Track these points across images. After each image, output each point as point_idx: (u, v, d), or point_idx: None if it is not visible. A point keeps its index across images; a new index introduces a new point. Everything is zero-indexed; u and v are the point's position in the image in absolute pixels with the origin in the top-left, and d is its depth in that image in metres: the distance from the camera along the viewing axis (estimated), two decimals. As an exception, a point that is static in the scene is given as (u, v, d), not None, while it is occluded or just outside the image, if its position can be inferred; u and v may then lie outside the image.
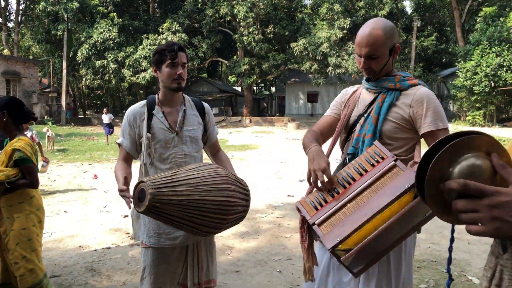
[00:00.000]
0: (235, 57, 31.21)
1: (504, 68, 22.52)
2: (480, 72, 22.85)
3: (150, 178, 1.84)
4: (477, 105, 24.13)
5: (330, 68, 24.30)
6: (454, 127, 23.03)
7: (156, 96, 2.29)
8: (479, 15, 25.96)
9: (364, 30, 1.82)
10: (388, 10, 24.31)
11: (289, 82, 32.11)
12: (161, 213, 1.81)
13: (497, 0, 27.92)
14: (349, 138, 1.99)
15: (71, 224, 5.45)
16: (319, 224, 1.53)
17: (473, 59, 23.34)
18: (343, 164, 1.96)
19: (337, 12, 23.91)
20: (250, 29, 24.24)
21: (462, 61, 24.62)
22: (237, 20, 25.00)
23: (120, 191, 1.94)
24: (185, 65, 2.21)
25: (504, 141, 16.24)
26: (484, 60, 22.76)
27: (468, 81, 23.41)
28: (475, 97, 23.75)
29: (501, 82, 22.58)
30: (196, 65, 27.18)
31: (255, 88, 39.62)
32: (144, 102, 2.30)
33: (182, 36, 25.26)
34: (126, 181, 1.99)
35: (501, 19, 24.02)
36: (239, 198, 1.98)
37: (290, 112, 32.11)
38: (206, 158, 2.53)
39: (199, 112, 2.36)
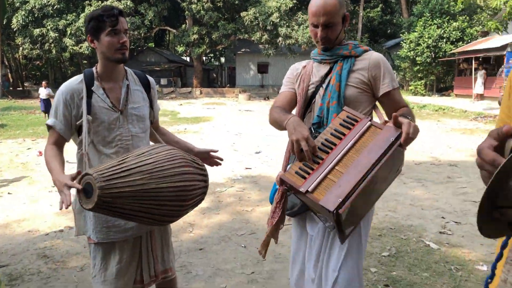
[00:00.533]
0: (183, 26, 30.18)
1: (444, 40, 23.56)
2: (422, 43, 23.74)
3: (96, 169, 1.63)
4: (419, 75, 25.19)
5: (280, 38, 24.19)
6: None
7: (94, 69, 2.00)
8: (423, -13, 26.74)
9: (318, 0, 1.85)
10: (337, -20, 24.32)
11: (239, 52, 31.65)
12: (113, 208, 1.62)
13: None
14: (309, 110, 2.00)
15: (17, 207, 5.07)
16: (312, 191, 1.51)
17: (416, 30, 24.14)
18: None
19: (287, -19, 23.64)
20: (200, -3, 23.45)
21: (406, 33, 25.41)
22: (185, -13, 24.04)
23: (64, 185, 1.64)
24: (127, 32, 1.96)
25: (444, 109, 17.16)
26: (427, 32, 23.63)
27: (412, 52, 24.28)
28: (418, 67, 24.74)
29: (441, 53, 23.63)
30: (142, 34, 25.97)
31: (204, 58, 38.70)
32: (80, 77, 1.98)
33: (128, 3, 23.93)
34: (78, 174, 1.69)
35: (442, -9, 24.91)
36: (197, 180, 1.82)
37: (241, 83, 31.84)
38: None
39: (144, 87, 2.11)
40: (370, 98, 1.95)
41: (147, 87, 2.12)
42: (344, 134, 1.63)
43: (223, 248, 3.75)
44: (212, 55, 41.48)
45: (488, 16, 24.37)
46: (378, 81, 1.92)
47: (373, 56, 1.94)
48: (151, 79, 2.19)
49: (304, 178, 1.55)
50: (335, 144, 1.61)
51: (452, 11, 23.89)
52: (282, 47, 25.44)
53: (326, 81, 1.96)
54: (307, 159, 1.58)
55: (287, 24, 23.94)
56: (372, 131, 1.61)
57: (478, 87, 20.29)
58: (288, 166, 1.88)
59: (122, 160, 1.69)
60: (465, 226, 4.18)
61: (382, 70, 1.91)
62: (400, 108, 1.92)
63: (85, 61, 31.03)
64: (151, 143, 2.18)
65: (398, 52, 26.16)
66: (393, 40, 33.12)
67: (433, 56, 23.77)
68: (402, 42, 25.82)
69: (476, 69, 20.59)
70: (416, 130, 1.54)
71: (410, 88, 25.87)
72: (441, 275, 3.11)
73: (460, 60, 23.18)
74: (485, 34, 23.48)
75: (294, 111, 2.03)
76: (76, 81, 1.97)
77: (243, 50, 31.49)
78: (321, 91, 1.97)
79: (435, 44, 23.53)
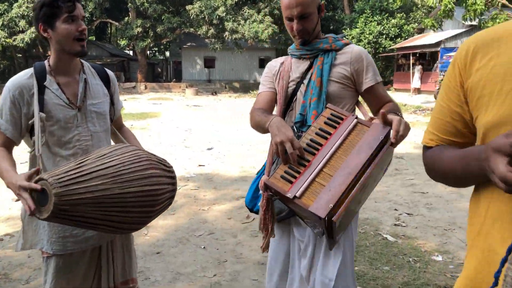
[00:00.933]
0: (126, 18, 29.03)
1: (384, 36, 24.61)
2: (364, 39, 24.63)
3: (51, 173, 1.44)
4: (362, 70, 26.12)
5: (227, 33, 24.01)
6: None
7: (46, 62, 1.80)
8: (363, -16, 27.69)
9: None
10: (282, -25, 24.54)
11: (185, 46, 31.04)
12: (72, 216, 1.45)
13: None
14: (290, 108, 1.90)
15: None
16: (300, 196, 1.42)
17: (358, 26, 25.00)
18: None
19: (233, -26, 23.48)
20: (143, -12, 22.65)
21: (348, 29, 26.21)
22: (128, -22, 23.11)
23: (20, 187, 1.46)
24: (84, 19, 1.78)
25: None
26: (368, 28, 24.54)
27: (354, 48, 25.10)
28: (360, 62, 25.63)
29: (381, 48, 24.67)
30: (81, 27, 24.53)
31: (148, 52, 37.52)
32: (30, 71, 1.77)
33: (64, -7, 22.49)
34: (35, 172, 1.52)
35: (381, -11, 25.97)
36: (165, 183, 1.67)
37: (187, 78, 31.28)
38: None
39: (103, 81, 1.92)
40: (353, 93, 1.87)
41: (106, 81, 1.94)
42: (330, 134, 1.55)
43: (182, 250, 3.61)
44: (156, 49, 40.33)
45: (424, 14, 25.78)
46: (361, 76, 1.84)
47: (355, 49, 1.85)
48: (110, 72, 2.01)
49: (291, 182, 1.45)
50: (321, 145, 1.53)
51: (391, 9, 24.98)
52: (229, 41, 25.29)
53: (307, 77, 1.86)
54: (292, 162, 1.48)
55: (233, 18, 23.81)
56: (359, 129, 1.55)
57: (415, 81, 21.41)
58: (272, 169, 1.78)
59: (81, 162, 1.52)
60: (417, 218, 4.34)
61: (365, 63, 1.83)
62: (385, 103, 1.84)
63: (19, 55, 28.95)
64: (112, 143, 2.01)
65: (341, 48, 26.92)
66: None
67: (373, 51, 24.73)
68: (344, 37, 26.54)
69: (413, 65, 21.71)
70: (407, 127, 1.48)
71: (353, 82, 26.74)
72: (401, 267, 3.19)
73: (399, 56, 24.35)
74: (421, 31, 24.82)
75: (274, 111, 1.92)
76: (25, 75, 1.75)
77: (189, 44, 30.92)
78: (302, 87, 1.87)
79: (375, 40, 24.50)
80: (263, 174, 1.87)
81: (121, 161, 1.56)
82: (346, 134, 1.53)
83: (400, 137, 1.44)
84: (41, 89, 1.73)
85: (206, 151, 8.23)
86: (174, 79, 34.59)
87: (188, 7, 23.66)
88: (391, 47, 24.17)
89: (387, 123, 1.49)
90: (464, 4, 14.49)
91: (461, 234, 3.84)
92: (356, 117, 1.58)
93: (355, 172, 1.41)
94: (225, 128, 11.32)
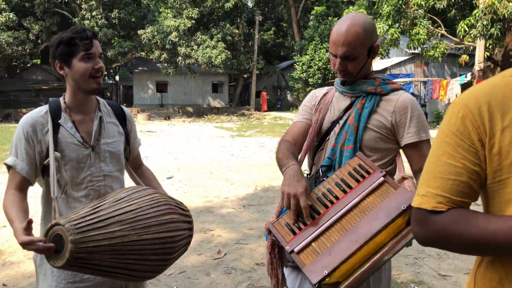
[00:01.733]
0: (73, 42, 28.11)
1: (333, 62, 25.62)
2: (314, 65, 25.49)
3: (68, 218, 1.38)
4: (312, 95, 26.98)
5: (180, 58, 23.95)
6: (292, 114, 25.31)
7: (62, 99, 1.76)
8: (312, 13, 28.82)
9: (341, 27, 1.59)
10: (233, 2, 25.04)
11: (136, 71, 30.51)
12: (87, 264, 1.39)
13: (324, 1, 31.43)
14: (321, 147, 1.75)
15: None
16: (299, 252, 1.32)
17: (308, 53, 25.86)
18: (316, 178, 1.72)
19: (185, 1, 23.59)
20: (93, 13, 22.09)
21: (298, 55, 27.04)
22: (77, 2, 22.47)
23: (25, 243, 1.37)
24: (101, 57, 1.74)
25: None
26: (317, 55, 25.45)
27: (304, 74, 25.91)
28: (310, 88, 26.43)
29: (330, 74, 25.61)
30: (28, 50, 23.56)
31: (97, 76, 36.30)
32: (45, 108, 1.73)
33: (10, 16, 21.57)
34: (30, 224, 1.41)
35: (329, 18, 27.15)
36: (183, 229, 1.61)
37: (139, 102, 30.65)
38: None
39: (119, 119, 1.87)
40: (393, 145, 1.68)
41: (122, 119, 1.89)
42: (350, 187, 1.42)
43: (153, 292, 3.43)
44: (106, 73, 39.35)
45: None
46: (402, 129, 1.64)
47: (402, 97, 1.66)
48: (127, 110, 1.95)
49: (294, 233, 1.36)
50: (337, 198, 1.41)
51: (339, 37, 26.10)
52: (182, 66, 25.22)
53: (344, 117, 1.70)
54: (297, 215, 1.38)
55: (186, 43, 23.83)
56: (383, 189, 1.39)
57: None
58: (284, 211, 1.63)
59: (97, 206, 1.45)
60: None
61: (409, 115, 1.63)
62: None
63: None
64: (128, 183, 1.92)
65: (292, 74, 27.69)
66: (286, 62, 34.99)
67: (323, 78, 25.62)
68: (295, 64, 27.40)
69: (362, 90, 22.69)
70: None
71: (304, 107, 27.48)
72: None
73: (348, 82, 25.36)
74: (367, 58, 26.13)
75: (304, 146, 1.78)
76: (40, 112, 1.71)
77: (140, 68, 30.45)
78: (336, 128, 1.71)
79: (325, 66, 25.42)
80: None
81: (139, 206, 1.50)
82: (367, 192, 1.40)
83: None
84: (55, 127, 1.68)
85: (166, 180, 8.00)
86: (125, 104, 33.75)
87: (140, 31, 23.40)
88: (340, 73, 25.17)
89: None
90: (408, 34, 15.51)
91: (431, 263, 3.95)
92: (385, 175, 1.43)
93: (362, 241, 1.28)
94: (183, 154, 11.11)
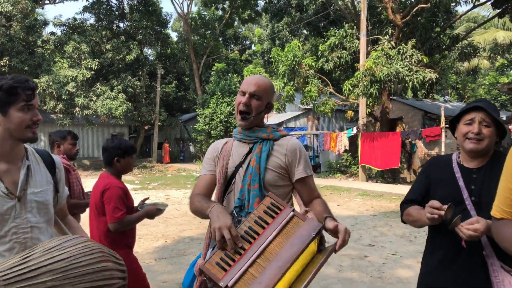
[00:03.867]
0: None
1: (234, 116, 26.70)
2: (216, 118, 26.29)
3: None
4: (215, 147, 27.55)
5: (77, 108, 22.92)
6: (196, 166, 25.46)
7: None
8: (213, 69, 30.10)
9: (255, 76, 2.00)
10: (135, 55, 25.09)
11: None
12: None
13: (224, 58, 33.17)
14: (229, 190, 1.98)
15: None
16: (232, 286, 1.47)
17: (210, 107, 26.67)
18: (232, 218, 1.90)
19: (84, 52, 23.02)
20: (-21, 59, 20.42)
21: (201, 108, 27.72)
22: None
23: None
24: (38, 107, 1.74)
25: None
26: (219, 108, 26.37)
27: (207, 126, 26.53)
28: (212, 140, 27.03)
29: (231, 127, 26.57)
30: None
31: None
32: None
33: None
34: None
35: (229, 74, 28.62)
36: (117, 277, 1.58)
37: (27, 156, 28.13)
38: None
39: (48, 167, 1.83)
40: (287, 182, 1.98)
41: (51, 167, 1.84)
42: (267, 223, 1.62)
43: None
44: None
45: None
46: (293, 167, 1.96)
47: (291, 142, 1.99)
48: (56, 157, 1.91)
49: (225, 270, 1.50)
50: (258, 233, 1.59)
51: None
52: (79, 117, 24.08)
53: (246, 161, 1.95)
54: (229, 249, 1.55)
55: (84, 94, 22.98)
56: (294, 221, 1.63)
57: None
58: (208, 254, 1.82)
59: (27, 256, 1.41)
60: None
61: (297, 156, 1.96)
62: (313, 197, 1.98)
63: None
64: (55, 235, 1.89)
65: (195, 126, 28.12)
66: (188, 114, 35.46)
67: (225, 130, 26.48)
68: (197, 116, 27.96)
69: (262, 142, 23.82)
70: (349, 235, 1.62)
71: (207, 159, 27.83)
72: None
73: (248, 134, 26.51)
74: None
75: (214, 193, 1.99)
76: None
77: (30, 119, 28.24)
78: (241, 171, 1.95)
79: (226, 119, 26.36)
80: (200, 258, 1.91)
81: (72, 254, 1.47)
82: (282, 225, 1.60)
83: (344, 245, 1.60)
84: None
85: (67, 237, 7.51)
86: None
87: (35, 81, 22.01)
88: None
89: (334, 233, 1.64)
90: (301, 91, 17.03)
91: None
92: (293, 210, 1.67)
93: (285, 267, 1.47)
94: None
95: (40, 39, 24.80)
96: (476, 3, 16.48)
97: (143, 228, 8.11)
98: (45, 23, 25.01)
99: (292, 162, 1.97)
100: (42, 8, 26.60)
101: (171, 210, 10.37)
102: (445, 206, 1.76)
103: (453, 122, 2.07)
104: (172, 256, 6.23)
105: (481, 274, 1.84)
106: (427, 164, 2.20)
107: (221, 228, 1.58)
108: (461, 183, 1.95)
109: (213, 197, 2.05)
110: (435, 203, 1.80)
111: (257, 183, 1.88)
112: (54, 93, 21.99)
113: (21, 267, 1.38)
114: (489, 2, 16.58)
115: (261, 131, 2.00)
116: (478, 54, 20.12)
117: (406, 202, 2.17)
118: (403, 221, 2.18)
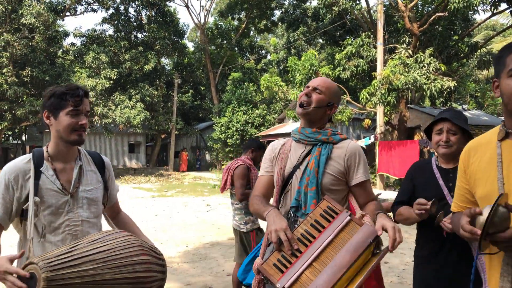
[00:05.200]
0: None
1: (250, 124, 26.90)
2: (232, 127, 26.50)
3: (42, 257, 1.47)
4: (230, 155, 27.66)
5: (96, 117, 23.36)
6: (212, 174, 25.62)
7: (45, 149, 1.87)
8: (229, 78, 30.38)
9: (322, 76, 2.03)
10: (153, 65, 25.51)
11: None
12: None
13: (240, 68, 33.45)
14: (286, 190, 2.00)
15: None
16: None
17: (226, 115, 26.91)
18: (287, 218, 1.95)
19: (103, 62, 23.52)
20: (4, 70, 20.95)
21: (217, 117, 27.98)
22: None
23: (4, 272, 1.45)
24: (88, 114, 1.89)
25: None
26: (235, 117, 26.59)
27: (223, 135, 26.75)
28: (229, 148, 27.23)
29: (247, 135, 26.72)
30: None
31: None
32: (28, 156, 1.84)
33: None
34: (22, 256, 1.52)
35: (245, 83, 28.86)
36: (155, 271, 1.72)
37: (47, 164, 28.69)
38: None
39: (98, 168, 2.00)
40: (344, 186, 1.99)
41: (101, 167, 2.01)
42: (323, 227, 1.63)
43: None
44: (10, 132, 36.52)
45: (282, 106, 29.20)
46: (352, 171, 1.96)
47: (351, 145, 1.99)
48: (106, 159, 2.08)
49: (282, 272, 1.53)
50: (314, 237, 1.61)
51: (255, 100, 27.74)
52: (98, 126, 24.53)
53: (304, 163, 1.96)
54: (285, 250, 1.58)
55: (103, 103, 23.44)
56: (351, 227, 1.63)
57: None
58: (267, 252, 1.85)
59: (73, 247, 1.55)
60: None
61: (357, 160, 1.96)
62: (369, 200, 1.99)
63: None
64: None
65: (211, 134, 28.37)
66: (204, 123, 35.79)
67: (241, 138, 26.64)
68: (214, 125, 28.21)
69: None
70: (400, 232, 1.60)
71: (223, 166, 27.98)
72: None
73: (264, 142, 26.64)
74: (281, 121, 27.85)
75: (274, 194, 2.03)
76: (23, 160, 1.82)
77: (50, 128, 28.86)
78: (298, 173, 1.95)
79: (242, 128, 26.54)
80: (259, 250, 1.97)
81: (112, 246, 1.59)
82: (338, 230, 1.61)
83: (397, 244, 1.57)
84: (37, 174, 1.78)
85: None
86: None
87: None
88: (256, 135, 26.38)
89: (383, 229, 1.64)
90: (318, 101, 17.02)
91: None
92: (350, 214, 1.67)
93: (341, 272, 1.49)
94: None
95: (61, 50, 25.45)
96: (495, 11, 16.31)
97: (163, 234, 8.22)
98: (66, 34, 25.76)
99: (351, 165, 1.98)
100: (63, 20, 27.35)
101: (189, 217, 10.48)
102: (430, 202, 2.05)
103: (427, 132, 2.40)
104: (194, 260, 6.30)
105: (461, 266, 2.10)
106: (411, 169, 2.51)
107: (277, 231, 1.64)
108: (441, 182, 2.27)
109: (272, 198, 2.09)
110: (421, 200, 2.08)
111: (315, 186, 1.90)
112: (74, 102, 22.36)
113: (66, 255, 1.50)
114: (508, 10, 16.44)
115: (321, 133, 2.00)
116: (497, 62, 19.84)
117: (396, 204, 2.45)
118: (395, 221, 2.38)
